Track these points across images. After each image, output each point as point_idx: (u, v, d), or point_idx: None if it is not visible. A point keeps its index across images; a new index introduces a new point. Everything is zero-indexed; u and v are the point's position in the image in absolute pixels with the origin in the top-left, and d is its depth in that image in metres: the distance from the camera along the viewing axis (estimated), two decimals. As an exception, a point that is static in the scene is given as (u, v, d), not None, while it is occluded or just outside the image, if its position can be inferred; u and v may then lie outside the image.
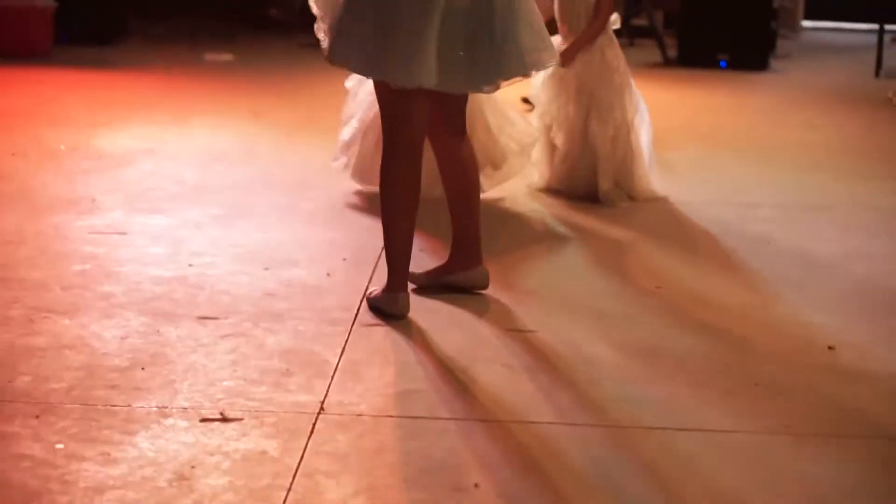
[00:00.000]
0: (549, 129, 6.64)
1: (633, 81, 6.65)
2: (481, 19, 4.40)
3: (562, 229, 5.99)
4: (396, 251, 4.58)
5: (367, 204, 6.15)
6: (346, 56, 4.46)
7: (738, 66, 12.34)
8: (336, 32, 4.43)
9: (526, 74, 4.61)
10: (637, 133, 6.64)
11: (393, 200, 4.53)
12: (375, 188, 5.24)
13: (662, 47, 12.91)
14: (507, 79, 4.52)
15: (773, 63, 12.70)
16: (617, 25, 6.61)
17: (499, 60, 4.45)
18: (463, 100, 4.72)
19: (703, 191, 6.87)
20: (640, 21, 13.96)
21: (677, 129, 8.79)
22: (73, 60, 10.91)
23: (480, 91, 4.70)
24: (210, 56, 11.80)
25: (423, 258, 5.13)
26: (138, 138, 7.68)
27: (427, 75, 4.32)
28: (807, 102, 10.41)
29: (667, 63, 12.68)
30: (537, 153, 6.67)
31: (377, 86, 4.55)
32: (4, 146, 7.29)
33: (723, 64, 12.39)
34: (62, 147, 7.32)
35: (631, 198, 6.54)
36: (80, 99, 9.08)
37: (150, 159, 7.10)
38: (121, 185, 6.46)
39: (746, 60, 12.38)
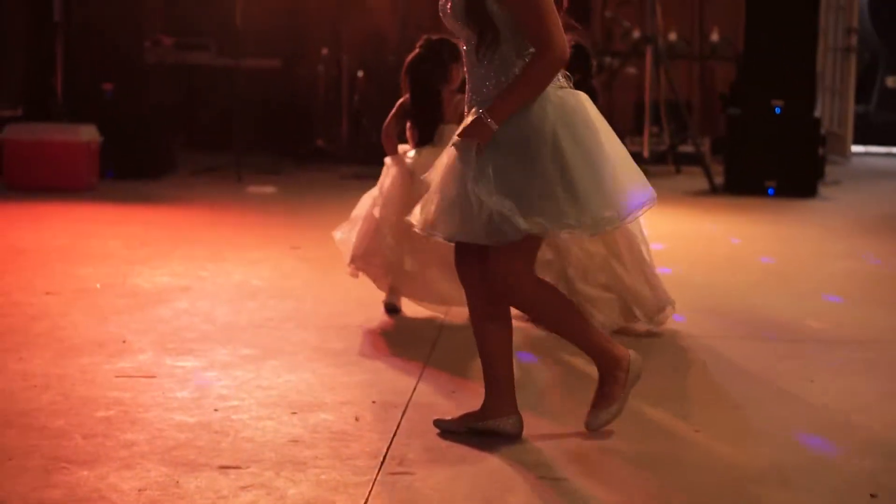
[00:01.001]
0: None
1: None
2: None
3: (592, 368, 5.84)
4: (590, 337, 4.67)
5: (399, 343, 6.05)
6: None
7: (786, 193, 12.23)
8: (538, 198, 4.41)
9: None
10: (638, 245, 6.46)
11: (553, 310, 4.63)
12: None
13: (709, 175, 12.82)
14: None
15: (822, 190, 12.57)
16: None
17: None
18: None
19: (746, 324, 6.73)
20: (687, 148, 13.91)
21: (723, 258, 8.68)
22: (118, 195, 10.95)
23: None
24: (253, 189, 11.83)
25: (454, 401, 5.01)
26: (175, 275, 7.64)
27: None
28: (855, 231, 10.26)
29: (714, 191, 12.59)
30: None
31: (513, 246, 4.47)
32: (40, 284, 7.25)
33: (771, 191, 12.27)
34: (97, 285, 7.28)
35: (651, 322, 6.38)
36: (121, 235, 9.07)
37: (184, 297, 7.05)
38: (153, 325, 6.39)
39: (795, 187, 12.27)
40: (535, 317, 4.93)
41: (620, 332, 6.28)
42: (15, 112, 12.19)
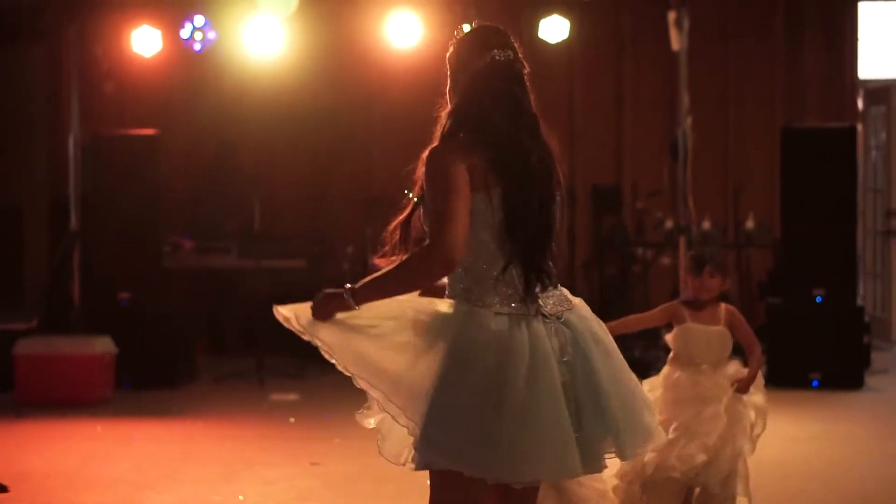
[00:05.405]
0: None
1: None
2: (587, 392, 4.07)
3: None
4: None
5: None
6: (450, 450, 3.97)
7: (831, 385, 11.62)
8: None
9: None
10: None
11: None
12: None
13: (750, 366, 12.30)
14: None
15: (869, 380, 11.99)
16: None
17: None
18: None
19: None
20: (726, 338, 13.42)
21: (771, 462, 8.12)
22: (133, 409, 10.46)
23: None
24: (275, 396, 11.32)
25: None
26: (183, 501, 7.14)
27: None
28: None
29: (756, 383, 12.03)
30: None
31: (445, 480, 4.01)
32: (38, 519, 6.79)
33: (815, 383, 11.70)
34: (99, 517, 6.81)
35: None
36: (131, 454, 8.57)
37: (192, 527, 6.56)
38: (154, 565, 5.90)
39: (840, 379, 11.67)
40: None
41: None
42: (29, 324, 11.78)
